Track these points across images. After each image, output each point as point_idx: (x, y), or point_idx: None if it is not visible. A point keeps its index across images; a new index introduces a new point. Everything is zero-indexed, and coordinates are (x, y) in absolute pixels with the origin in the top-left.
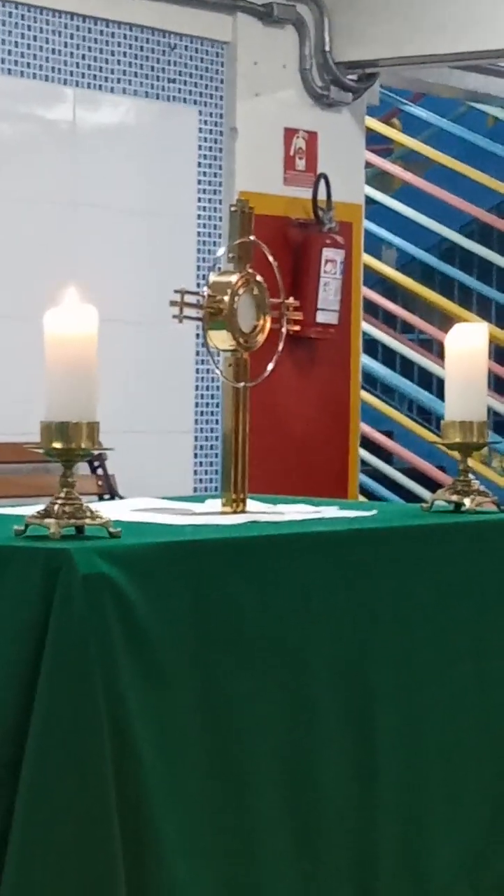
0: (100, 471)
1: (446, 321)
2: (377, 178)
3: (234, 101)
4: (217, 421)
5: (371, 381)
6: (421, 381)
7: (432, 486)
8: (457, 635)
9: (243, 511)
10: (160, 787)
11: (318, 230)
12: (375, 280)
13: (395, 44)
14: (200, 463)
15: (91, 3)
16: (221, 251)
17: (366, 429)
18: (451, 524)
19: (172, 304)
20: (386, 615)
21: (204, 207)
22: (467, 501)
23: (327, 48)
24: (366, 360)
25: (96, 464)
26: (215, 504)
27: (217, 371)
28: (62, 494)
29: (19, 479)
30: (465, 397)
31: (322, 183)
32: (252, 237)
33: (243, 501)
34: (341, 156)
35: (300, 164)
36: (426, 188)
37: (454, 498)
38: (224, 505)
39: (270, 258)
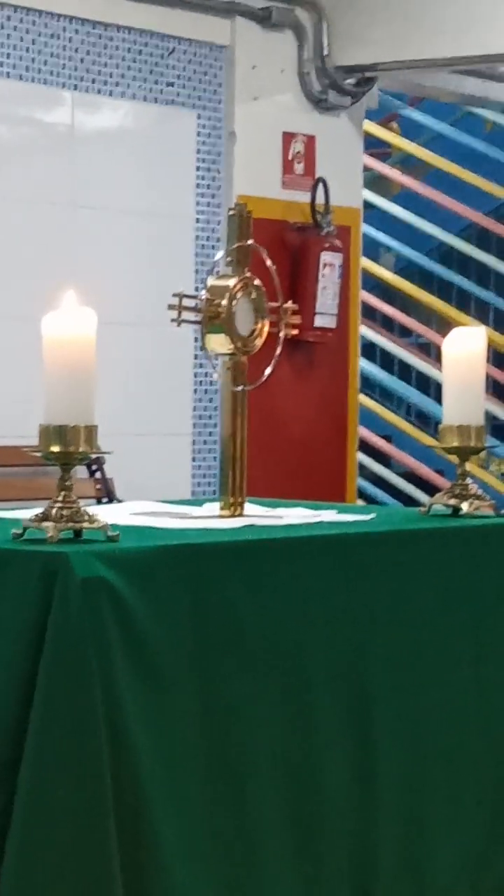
0: (98, 474)
1: (444, 325)
2: (375, 182)
3: (233, 105)
4: (215, 424)
5: (369, 385)
6: (419, 385)
7: (430, 489)
8: (455, 639)
9: (241, 515)
10: (158, 790)
11: (317, 234)
12: (373, 284)
13: (394, 48)
14: (199, 466)
15: (90, 7)
16: (220, 255)
17: (364, 432)
18: (449, 528)
19: (171, 307)
20: (384, 619)
21: (202, 211)
22: (465, 505)
23: (326, 52)
24: (364, 364)
25: (94, 467)
26: (214, 507)
27: (215, 375)
28: (60, 498)
29: (17, 482)
30: (462, 401)
31: (320, 187)
32: (250, 241)
33: (241, 505)
34: (339, 160)
35: (298, 167)
36: (424, 192)
37: (452, 502)
38: (222, 508)
39: (269, 262)
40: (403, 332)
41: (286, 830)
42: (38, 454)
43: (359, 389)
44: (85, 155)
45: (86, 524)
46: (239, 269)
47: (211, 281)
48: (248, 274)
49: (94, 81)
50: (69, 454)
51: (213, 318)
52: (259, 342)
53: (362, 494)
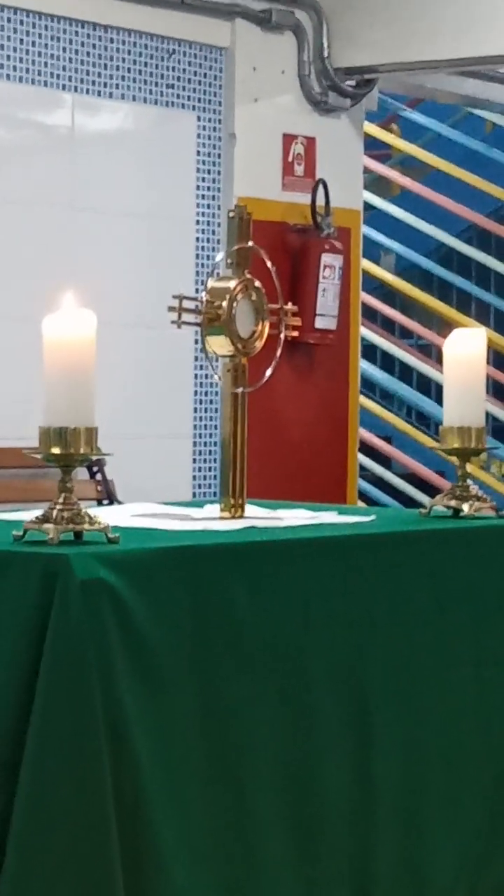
0: (98, 476)
1: (445, 326)
2: (375, 183)
3: (233, 107)
4: (216, 426)
5: (370, 387)
6: (420, 387)
7: (431, 491)
8: (456, 640)
9: (242, 516)
10: (159, 792)
11: (317, 236)
12: (374, 285)
13: (394, 49)
14: (199, 468)
15: (90, 9)
16: (220, 257)
17: (365, 434)
18: (449, 530)
19: (171, 309)
20: (384, 620)
21: (202, 213)
22: (466, 507)
23: (326, 54)
24: (364, 366)
25: (95, 469)
26: (214, 509)
27: (216, 376)
28: (61, 499)
29: (18, 484)
30: (463, 403)
31: (320, 188)
32: (250, 243)
33: (242, 507)
34: (340, 161)
35: (299, 169)
36: (424, 193)
37: (453, 503)
38: (223, 510)
39: (269, 264)
40: (404, 334)
41: (286, 832)
42: (39, 456)
43: (359, 391)
44: (85, 156)
45: (86, 526)
46: (239, 270)
47: (211, 283)
48: (248, 276)
49: (94, 83)
50: (69, 456)
51: (213, 320)
52: (259, 344)
53: (363, 496)
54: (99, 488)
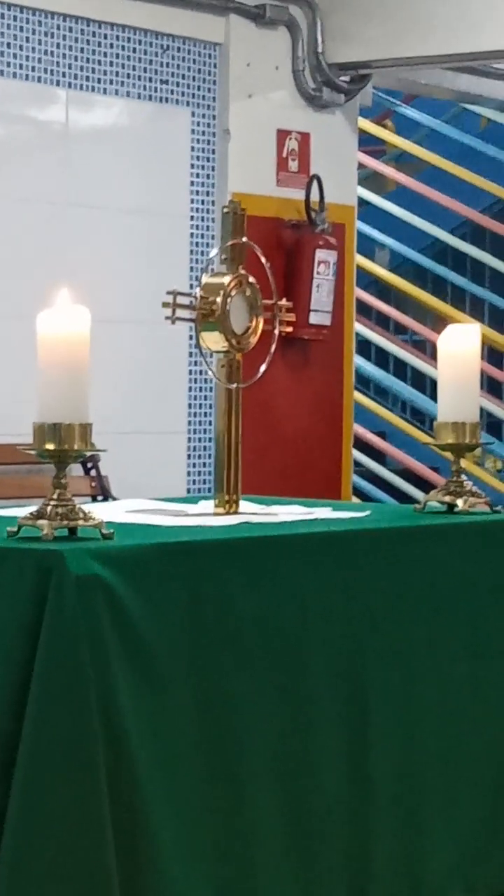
0: (93, 472)
1: (439, 322)
2: (370, 179)
3: (227, 103)
4: (210, 422)
5: (364, 382)
6: (414, 382)
7: (425, 486)
8: (451, 635)
9: (236, 512)
10: (155, 788)
11: (311, 231)
12: (368, 281)
13: (388, 45)
14: (194, 464)
15: (83, 5)
16: (214, 252)
17: (359, 429)
18: (444, 525)
19: (165, 305)
20: (380, 615)
21: (197, 209)
22: (460, 502)
23: (320, 49)
24: (359, 361)
25: (89, 465)
26: (209, 505)
27: (210, 372)
28: (55, 496)
29: (12, 480)
30: (457, 398)
31: (315, 184)
32: (245, 238)
33: (236, 502)
34: (334, 157)
35: (293, 165)
36: (419, 189)
37: (447, 499)
38: (217, 506)
39: (263, 259)
40: (398, 330)
41: (282, 829)
42: (33, 452)
43: (354, 386)
44: (79, 153)
45: (81, 522)
46: (233, 266)
47: (205, 278)
48: (242, 271)
49: (88, 79)
50: (64, 452)
51: (207, 316)
52: (253, 340)
53: (357, 492)
54: (93, 484)
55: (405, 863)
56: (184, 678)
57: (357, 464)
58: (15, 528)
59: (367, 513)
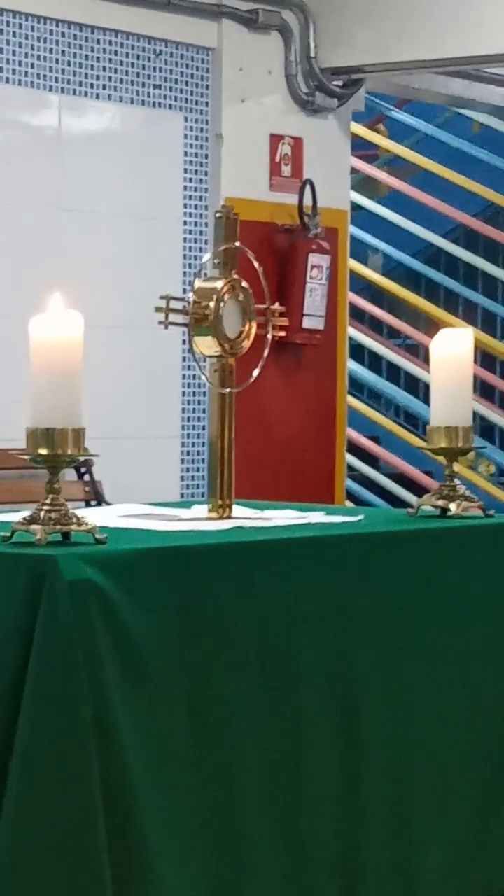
0: (86, 477)
1: (432, 326)
2: (363, 183)
3: (220, 107)
4: (203, 427)
5: (357, 387)
6: (407, 387)
7: (419, 490)
8: (443, 639)
9: (230, 517)
10: (147, 790)
11: (304, 236)
12: (361, 285)
13: (381, 50)
14: (187, 469)
15: (76, 10)
16: (207, 257)
17: (352, 434)
18: (437, 529)
19: (158, 310)
20: (372, 620)
21: (190, 213)
22: (453, 506)
23: (312, 54)
24: (352, 366)
25: (83, 470)
26: (202, 510)
27: (203, 377)
28: (48, 500)
29: (5, 485)
30: (450, 402)
31: (308, 189)
32: (238, 243)
33: (230, 507)
34: (327, 161)
35: (286, 169)
36: (412, 194)
37: (440, 503)
38: (210, 511)
39: (256, 264)
40: (391, 334)
41: (274, 830)
42: (26, 457)
43: (347, 391)
44: (72, 157)
45: (74, 527)
46: (226, 271)
47: (198, 283)
48: (235, 276)
49: (81, 84)
50: (57, 457)
51: (200, 321)
52: (246, 344)
53: (350, 496)
54: (87, 489)
55: (398, 866)
56: (176, 681)
57: (350, 468)
58: (8, 533)
59: (361, 517)
